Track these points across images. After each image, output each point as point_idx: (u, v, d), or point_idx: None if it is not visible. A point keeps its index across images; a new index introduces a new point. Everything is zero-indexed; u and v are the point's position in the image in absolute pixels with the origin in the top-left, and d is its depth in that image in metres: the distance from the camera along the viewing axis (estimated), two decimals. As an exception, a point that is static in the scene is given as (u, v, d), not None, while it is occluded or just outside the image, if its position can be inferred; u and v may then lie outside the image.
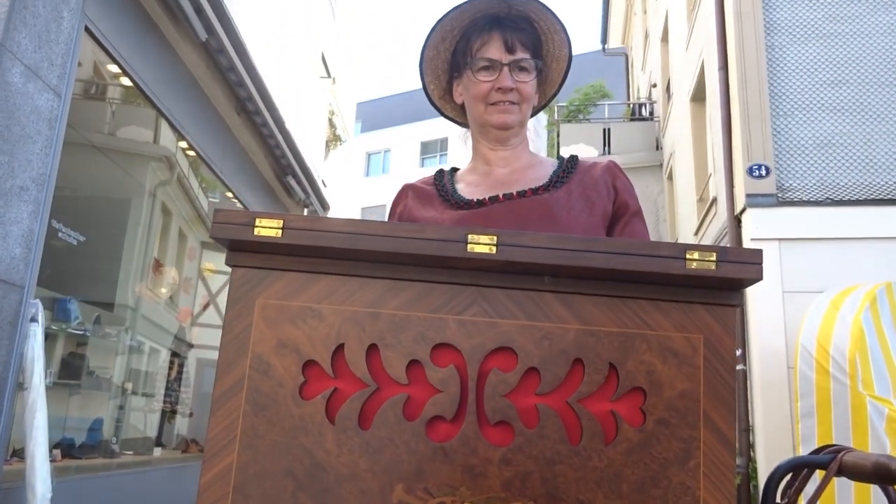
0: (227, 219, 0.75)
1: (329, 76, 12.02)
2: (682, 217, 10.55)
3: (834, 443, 3.70)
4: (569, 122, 12.98)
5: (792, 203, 6.32)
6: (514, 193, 1.34)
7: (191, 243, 7.07)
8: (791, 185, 6.38)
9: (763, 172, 6.37)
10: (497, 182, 1.41)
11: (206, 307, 7.53)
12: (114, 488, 4.58)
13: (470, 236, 0.72)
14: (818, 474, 1.05)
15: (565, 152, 12.65)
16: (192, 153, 5.62)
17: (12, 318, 3.35)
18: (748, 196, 6.41)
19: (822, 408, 4.72)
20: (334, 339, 0.77)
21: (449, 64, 1.46)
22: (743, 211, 6.53)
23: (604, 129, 12.98)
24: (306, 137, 9.04)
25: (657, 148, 12.70)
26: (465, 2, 1.37)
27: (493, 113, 1.38)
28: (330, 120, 14.42)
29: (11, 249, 3.28)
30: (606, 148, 12.88)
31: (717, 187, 7.76)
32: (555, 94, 1.55)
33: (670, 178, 11.66)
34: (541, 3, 1.39)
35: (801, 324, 5.07)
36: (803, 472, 1.05)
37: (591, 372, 0.76)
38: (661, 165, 12.34)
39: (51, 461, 4.13)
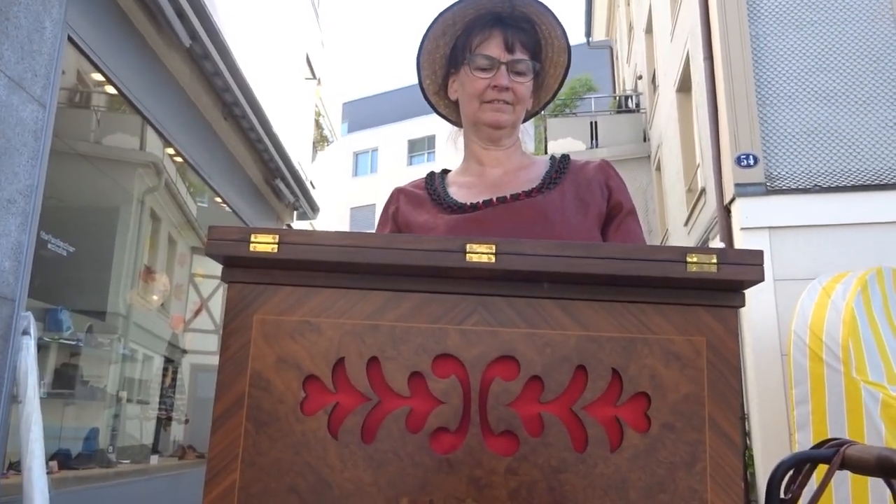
0: (221, 235, 0.74)
1: (314, 77, 11.98)
2: (671, 208, 10.59)
3: (829, 428, 3.68)
4: (555, 116, 12.99)
5: (780, 191, 6.34)
6: (508, 196, 1.33)
7: (181, 249, 7.04)
8: (779, 173, 6.41)
9: (751, 162, 6.40)
10: (490, 184, 1.40)
11: (198, 312, 7.50)
12: (112, 498, 4.56)
13: (468, 246, 0.72)
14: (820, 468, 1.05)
15: (553, 147, 12.66)
16: (179, 159, 5.59)
17: (4, 332, 3.33)
18: (737, 185, 6.43)
19: (816, 395, 4.74)
20: (334, 353, 0.76)
21: (447, 59, 1.44)
22: (732, 201, 6.56)
23: (591, 123, 12.99)
24: (293, 140, 9.01)
25: (645, 140, 12.73)
26: None
27: (486, 111, 1.37)
28: (316, 121, 14.38)
29: (1, 262, 3.25)
30: (594, 141, 12.91)
31: (705, 177, 7.79)
32: (550, 101, 1.54)
33: (658, 169, 11.70)
34: (544, 6, 1.38)
35: (793, 311, 5.09)
36: (806, 467, 1.05)
37: (594, 378, 0.75)
38: (649, 157, 12.37)
39: (48, 473, 4.10)
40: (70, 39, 3.71)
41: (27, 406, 3.32)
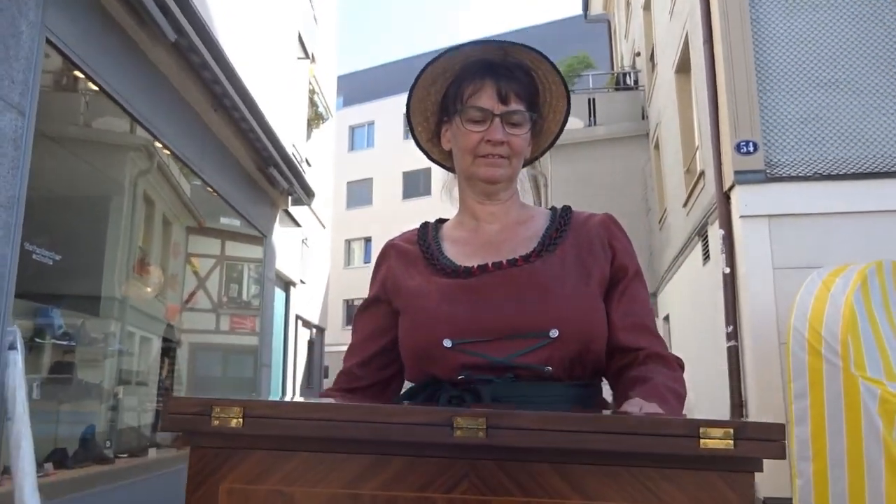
0: (179, 408, 0.66)
1: (307, 56, 11.78)
2: (670, 188, 10.49)
3: (826, 424, 3.63)
4: (553, 94, 12.81)
5: (780, 179, 6.25)
6: (504, 262, 1.26)
7: (175, 238, 6.94)
8: (779, 160, 6.31)
9: (751, 149, 6.30)
10: (486, 241, 1.33)
11: (192, 295, 7.43)
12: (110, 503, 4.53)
13: (456, 420, 0.64)
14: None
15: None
16: (168, 152, 5.47)
17: (-11, 348, 3.26)
18: (736, 173, 6.34)
19: (814, 389, 4.71)
20: (309, 528, 0.69)
21: (438, 106, 1.37)
22: (731, 188, 6.47)
23: (588, 100, 12.84)
24: (287, 121, 8.87)
25: (643, 117, 12.59)
26: (459, 45, 1.29)
27: (481, 166, 1.30)
28: (311, 99, 14.19)
29: (-17, 278, 3.18)
30: (592, 118, 12.77)
31: (704, 161, 7.69)
32: (549, 147, 1.46)
33: (657, 147, 11.57)
34: (539, 53, 1.31)
35: (792, 305, 5.03)
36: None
37: (596, 556, 0.68)
38: (647, 135, 12.24)
39: (44, 475, 4.07)
40: (49, 42, 3.58)
41: (16, 423, 3.26)
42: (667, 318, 11.02)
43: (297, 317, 15.04)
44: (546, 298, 1.21)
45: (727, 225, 6.58)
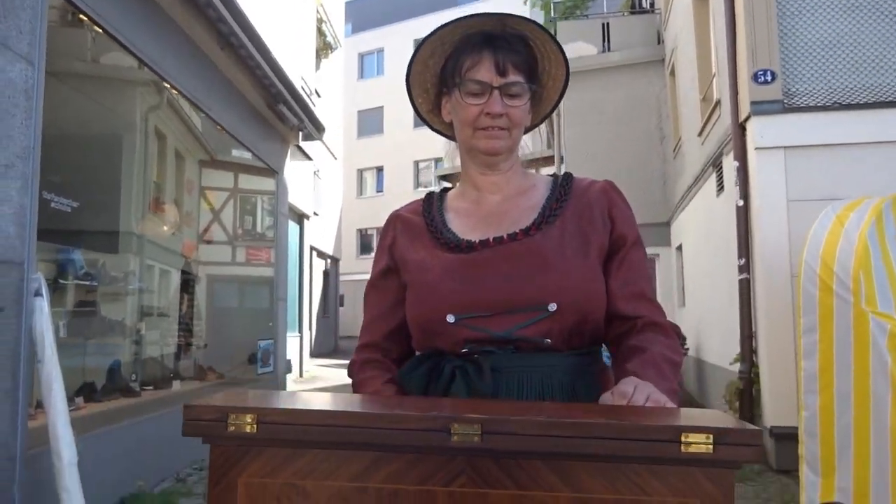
0: (197, 415, 0.72)
1: (314, -16, 11.48)
2: (685, 116, 10.31)
3: (835, 358, 3.66)
4: (566, 19, 12.45)
5: (798, 109, 6.13)
6: (505, 236, 1.30)
7: (188, 173, 6.98)
8: (797, 89, 6.17)
9: (769, 78, 6.15)
10: (488, 213, 1.37)
11: (208, 228, 7.53)
12: (137, 438, 4.73)
13: (453, 426, 0.69)
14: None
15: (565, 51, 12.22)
16: (176, 92, 5.44)
17: (16, 295, 3.36)
18: (753, 104, 6.21)
19: (824, 324, 4.74)
20: (321, 518, 0.75)
21: (438, 78, 1.38)
22: (747, 118, 6.36)
23: (603, 24, 12.49)
24: (295, 54, 8.74)
25: (659, 42, 12.24)
26: (457, 19, 1.30)
27: (481, 138, 1.32)
28: (318, 29, 13.91)
29: (5, 229, 3.25)
30: (606, 44, 12.45)
31: (720, 90, 7.53)
32: (549, 113, 1.47)
33: (673, 74, 11.31)
34: (537, 24, 1.32)
35: (805, 239, 5.02)
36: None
37: (585, 541, 0.74)
38: (663, 61, 11.94)
39: (75, 408, 4.25)
40: (53, -12, 3.55)
41: (47, 365, 3.41)
42: (679, 248, 11.03)
43: (312, 248, 15.21)
44: (545, 272, 1.24)
45: (742, 156, 6.50)
